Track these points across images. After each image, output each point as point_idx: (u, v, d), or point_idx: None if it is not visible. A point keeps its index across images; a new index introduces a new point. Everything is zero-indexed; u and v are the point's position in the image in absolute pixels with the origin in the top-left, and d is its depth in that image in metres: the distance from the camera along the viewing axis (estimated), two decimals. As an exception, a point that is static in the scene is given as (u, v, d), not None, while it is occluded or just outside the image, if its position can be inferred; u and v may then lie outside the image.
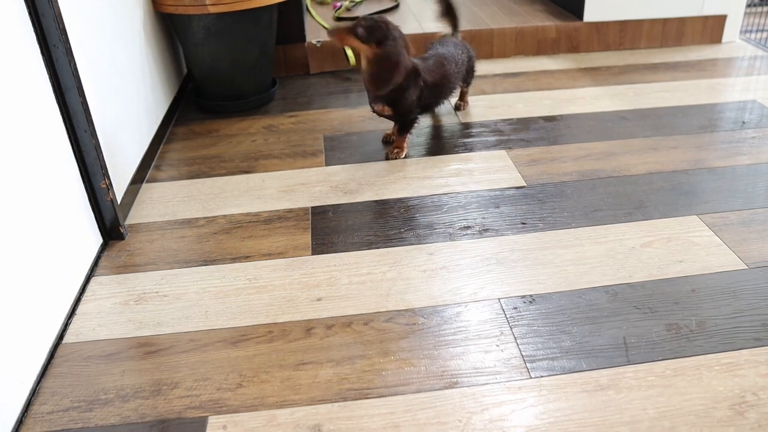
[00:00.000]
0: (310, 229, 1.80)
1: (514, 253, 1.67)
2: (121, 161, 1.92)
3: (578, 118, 2.39)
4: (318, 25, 3.15)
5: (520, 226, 1.78)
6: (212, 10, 2.32)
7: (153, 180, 2.11)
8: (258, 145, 2.31)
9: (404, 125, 2.17)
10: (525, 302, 1.50)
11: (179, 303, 1.54)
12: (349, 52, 2.94)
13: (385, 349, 1.38)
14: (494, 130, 2.23)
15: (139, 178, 2.04)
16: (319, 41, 2.95)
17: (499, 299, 1.51)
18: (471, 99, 2.60)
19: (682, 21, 3.07)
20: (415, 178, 2.05)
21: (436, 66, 2.17)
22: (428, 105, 2.21)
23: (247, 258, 1.69)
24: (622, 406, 1.22)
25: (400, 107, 2.08)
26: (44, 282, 1.41)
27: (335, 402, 1.25)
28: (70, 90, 1.57)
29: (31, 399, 1.29)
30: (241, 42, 2.47)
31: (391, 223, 1.82)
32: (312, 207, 1.91)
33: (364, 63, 2.03)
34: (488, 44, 3.05)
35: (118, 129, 1.93)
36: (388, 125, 2.38)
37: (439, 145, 2.26)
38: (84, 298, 1.58)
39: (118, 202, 1.81)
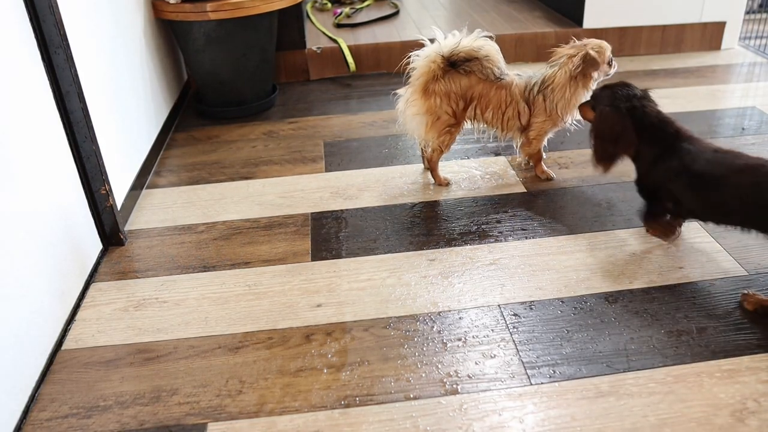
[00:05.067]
0: (309, 235, 1.80)
1: (514, 259, 1.66)
2: (121, 167, 1.92)
3: (578, 124, 2.39)
4: (318, 32, 3.16)
5: (520, 232, 1.78)
6: (213, 16, 2.32)
7: (153, 186, 2.11)
8: (258, 151, 2.31)
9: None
10: (525, 308, 1.49)
11: (179, 309, 1.54)
12: (350, 59, 2.94)
13: (385, 355, 1.37)
14: (494, 136, 2.22)
15: (139, 184, 2.04)
16: (319, 48, 2.95)
17: (499, 305, 1.50)
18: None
19: (681, 27, 3.07)
20: (415, 183, 2.05)
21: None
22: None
23: (246, 264, 1.69)
24: (623, 413, 1.21)
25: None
26: (43, 288, 1.41)
27: (335, 409, 1.25)
28: (70, 95, 1.57)
29: (30, 405, 1.29)
30: (241, 48, 2.47)
31: (391, 230, 1.81)
32: (312, 213, 1.91)
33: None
34: (488, 51, 3.05)
35: (119, 135, 1.93)
36: (388, 131, 2.38)
37: (439, 151, 2.26)
38: (83, 304, 1.57)
39: (118, 208, 1.81)
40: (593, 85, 1.86)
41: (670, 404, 1.23)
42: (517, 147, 2.04)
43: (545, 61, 1.94)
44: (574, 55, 1.82)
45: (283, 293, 1.57)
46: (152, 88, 2.32)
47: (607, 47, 1.84)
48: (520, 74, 1.92)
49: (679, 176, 1.51)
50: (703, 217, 1.59)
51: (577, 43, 1.86)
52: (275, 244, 1.77)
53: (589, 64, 1.80)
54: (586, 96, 1.84)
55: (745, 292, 1.49)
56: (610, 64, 1.86)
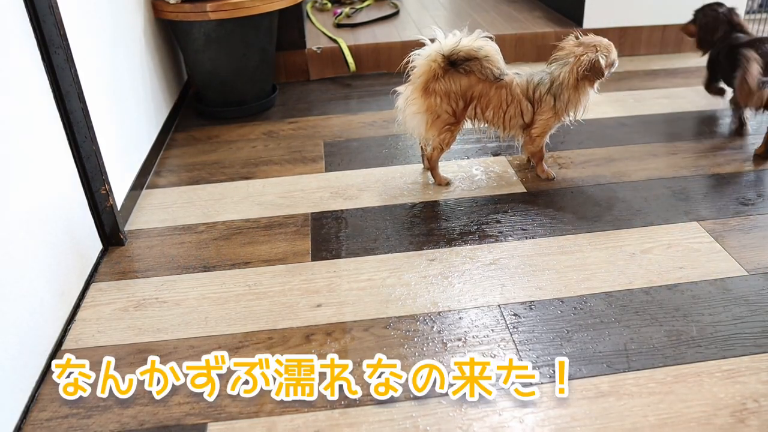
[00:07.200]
0: (309, 235, 1.80)
1: (514, 259, 1.66)
2: (121, 167, 1.92)
3: (578, 124, 2.39)
4: (318, 32, 3.16)
5: (520, 232, 1.78)
6: (213, 16, 2.32)
7: (153, 186, 2.11)
8: (258, 151, 2.31)
9: None
10: (525, 308, 1.49)
11: (179, 309, 1.54)
12: (350, 59, 2.94)
13: (385, 355, 1.37)
14: (495, 136, 2.23)
15: (139, 184, 2.04)
16: (319, 48, 2.95)
17: (499, 305, 1.50)
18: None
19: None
20: (415, 183, 2.05)
21: None
22: None
23: (246, 264, 1.69)
24: (623, 413, 1.21)
25: None
26: (44, 288, 1.41)
27: (335, 409, 1.25)
28: (70, 96, 1.57)
29: (29, 405, 1.29)
30: (241, 48, 2.47)
31: (391, 230, 1.81)
32: (312, 213, 1.91)
33: None
34: (488, 51, 3.05)
35: (119, 135, 1.93)
36: (388, 131, 2.38)
37: (439, 151, 2.26)
38: (83, 304, 1.57)
39: (118, 208, 1.81)
40: (597, 85, 1.88)
41: (670, 404, 1.23)
42: (519, 146, 2.04)
43: (545, 61, 1.94)
44: (582, 55, 1.81)
45: (283, 293, 1.58)
46: (152, 88, 2.32)
47: (613, 49, 1.84)
48: (519, 73, 1.92)
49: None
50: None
51: (585, 40, 1.86)
52: (275, 244, 1.77)
53: (594, 71, 1.80)
54: (592, 93, 1.88)
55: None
56: (612, 65, 1.86)
